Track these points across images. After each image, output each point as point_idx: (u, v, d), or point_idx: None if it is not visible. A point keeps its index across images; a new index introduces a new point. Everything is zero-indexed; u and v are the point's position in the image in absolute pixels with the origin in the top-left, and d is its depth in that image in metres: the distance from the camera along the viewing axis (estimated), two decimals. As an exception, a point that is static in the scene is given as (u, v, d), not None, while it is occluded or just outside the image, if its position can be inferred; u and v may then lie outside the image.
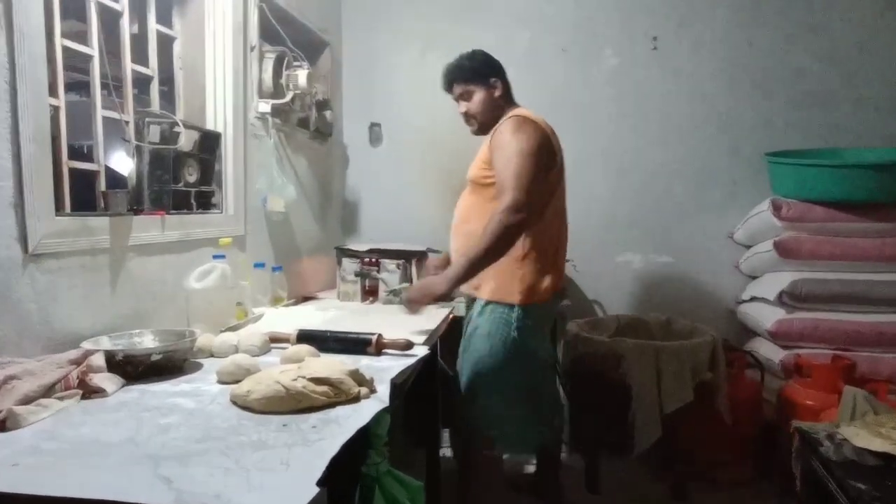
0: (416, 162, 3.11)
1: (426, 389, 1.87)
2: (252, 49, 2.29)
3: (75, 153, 1.70)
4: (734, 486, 2.37)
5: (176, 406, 1.13)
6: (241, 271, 1.94)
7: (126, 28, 1.83)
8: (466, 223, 1.96)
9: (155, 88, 1.98)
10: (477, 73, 2.02)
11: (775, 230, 2.54)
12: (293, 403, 1.11)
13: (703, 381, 2.24)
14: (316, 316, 2.11)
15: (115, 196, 1.59)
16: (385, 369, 1.36)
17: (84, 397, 1.15)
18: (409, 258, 2.47)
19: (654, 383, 2.22)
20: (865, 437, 1.37)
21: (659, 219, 2.97)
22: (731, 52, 2.86)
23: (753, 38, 2.84)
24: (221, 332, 1.60)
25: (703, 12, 2.88)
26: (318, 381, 1.14)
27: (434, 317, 1.96)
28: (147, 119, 1.81)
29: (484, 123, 2.02)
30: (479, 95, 2.01)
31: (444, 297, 1.78)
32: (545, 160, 1.86)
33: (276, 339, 1.59)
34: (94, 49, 1.68)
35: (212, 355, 1.48)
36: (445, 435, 2.26)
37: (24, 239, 1.29)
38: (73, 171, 1.61)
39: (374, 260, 2.51)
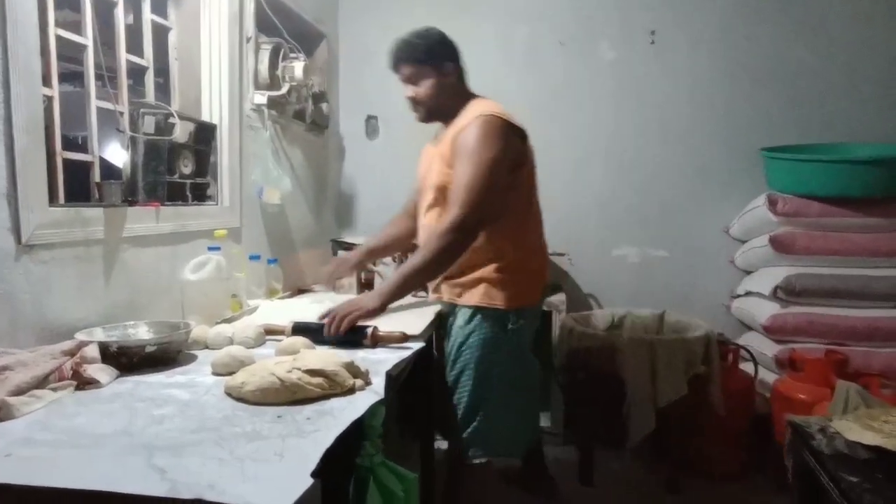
0: (412, 155, 3.09)
1: (422, 382, 1.87)
2: (248, 40, 2.28)
3: (70, 144, 1.69)
4: (727, 479, 2.39)
5: (170, 397, 1.13)
6: (236, 263, 1.94)
7: (121, 18, 1.82)
8: None
9: (150, 79, 1.97)
10: (430, 55, 1.79)
11: (771, 225, 2.54)
12: (288, 395, 1.11)
13: (697, 374, 2.26)
14: (311, 308, 2.10)
15: (110, 187, 1.58)
16: (380, 361, 1.36)
17: (78, 388, 1.15)
18: (405, 251, 2.47)
19: (649, 377, 2.23)
20: (857, 431, 1.37)
21: (655, 213, 2.98)
22: (729, 47, 2.86)
23: (751, 34, 2.84)
24: (216, 323, 1.60)
25: (702, 7, 2.87)
26: (312, 372, 1.14)
27: (425, 313, 1.89)
28: (142, 110, 1.80)
29: (432, 111, 1.86)
30: (429, 80, 1.80)
31: (376, 314, 1.64)
32: (509, 167, 1.73)
33: (271, 332, 1.58)
34: (88, 39, 1.67)
35: (206, 347, 1.48)
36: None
37: (17, 230, 1.29)
38: (67, 162, 1.60)
39: (370, 253, 2.51)
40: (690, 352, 2.25)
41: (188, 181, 2.01)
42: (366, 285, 2.49)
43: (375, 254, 2.18)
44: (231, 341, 1.48)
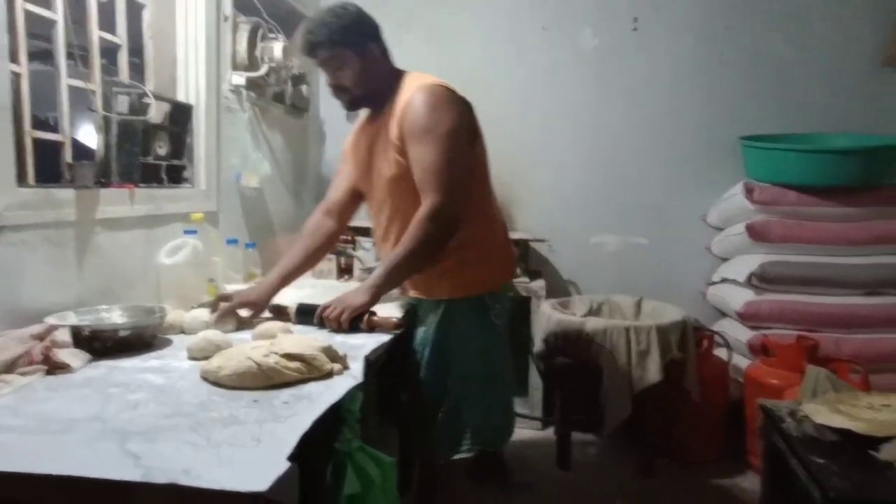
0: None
1: (399, 368, 1.87)
2: (225, 19, 2.23)
3: (40, 124, 1.64)
4: (701, 463, 2.44)
5: (145, 382, 1.12)
6: (213, 247, 1.91)
7: (92, -7, 1.76)
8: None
9: (124, 58, 1.92)
10: (348, 36, 1.58)
11: (747, 213, 2.58)
12: (265, 379, 1.10)
13: (674, 360, 2.29)
14: (289, 293, 2.08)
15: (82, 168, 1.55)
16: (359, 347, 1.36)
17: (49, 373, 1.13)
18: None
19: (625, 363, 2.26)
20: (825, 414, 1.41)
21: (634, 201, 3.00)
22: (710, 35, 2.87)
23: (732, 23, 2.85)
24: (193, 308, 1.58)
25: (684, -6, 2.88)
26: (290, 357, 1.14)
27: (397, 308, 1.81)
28: (115, 89, 1.75)
29: (358, 99, 1.67)
30: (351, 63, 1.60)
31: (370, 306, 1.54)
32: (467, 139, 1.59)
33: (277, 312, 1.63)
34: (58, 14, 1.62)
35: (182, 332, 1.46)
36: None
37: (-16, 210, 1.25)
38: (37, 142, 1.56)
39: (349, 238, 2.49)
40: (666, 338, 2.28)
41: (163, 163, 1.97)
42: (345, 270, 2.48)
43: (290, 278, 1.78)
44: (207, 325, 1.46)
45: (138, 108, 1.78)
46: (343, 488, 1.06)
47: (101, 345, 1.27)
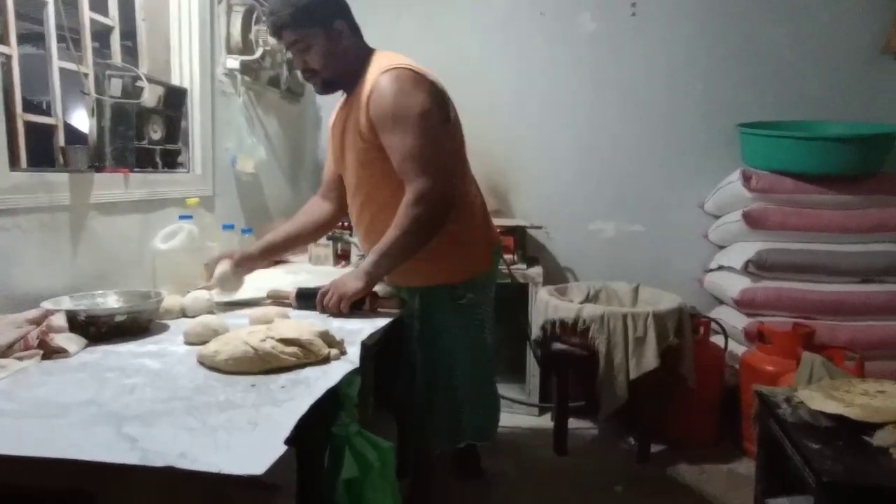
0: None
1: (396, 352, 1.87)
2: (219, 1, 2.20)
3: (32, 107, 1.63)
4: (697, 448, 2.46)
5: (141, 367, 1.11)
6: (209, 232, 1.90)
7: (84, -26, 1.73)
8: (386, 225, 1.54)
9: (116, 40, 1.89)
10: (314, 15, 1.51)
11: (744, 201, 2.57)
12: (261, 364, 1.10)
13: (670, 346, 2.30)
14: (286, 279, 2.08)
15: (75, 152, 1.53)
16: (356, 331, 1.35)
17: (45, 358, 1.12)
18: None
19: (622, 349, 2.27)
20: (820, 400, 1.42)
21: (632, 188, 2.99)
22: (708, 22, 2.85)
23: (730, 10, 2.83)
24: (189, 293, 1.57)
25: (683, -21, 2.85)
26: (287, 342, 1.13)
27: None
28: (108, 72, 1.73)
29: (329, 81, 1.60)
30: (319, 44, 1.53)
31: (364, 293, 1.51)
32: (441, 119, 1.53)
33: (276, 297, 1.62)
34: (48, -6, 1.59)
35: (184, 314, 1.46)
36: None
37: (-24, 194, 1.24)
38: (29, 125, 1.54)
39: (346, 224, 2.48)
40: (663, 325, 2.29)
41: (158, 147, 1.95)
42: (342, 257, 2.47)
43: (275, 250, 1.79)
44: (210, 302, 1.47)
45: (132, 91, 1.76)
46: (341, 473, 1.06)
47: (96, 330, 1.26)
